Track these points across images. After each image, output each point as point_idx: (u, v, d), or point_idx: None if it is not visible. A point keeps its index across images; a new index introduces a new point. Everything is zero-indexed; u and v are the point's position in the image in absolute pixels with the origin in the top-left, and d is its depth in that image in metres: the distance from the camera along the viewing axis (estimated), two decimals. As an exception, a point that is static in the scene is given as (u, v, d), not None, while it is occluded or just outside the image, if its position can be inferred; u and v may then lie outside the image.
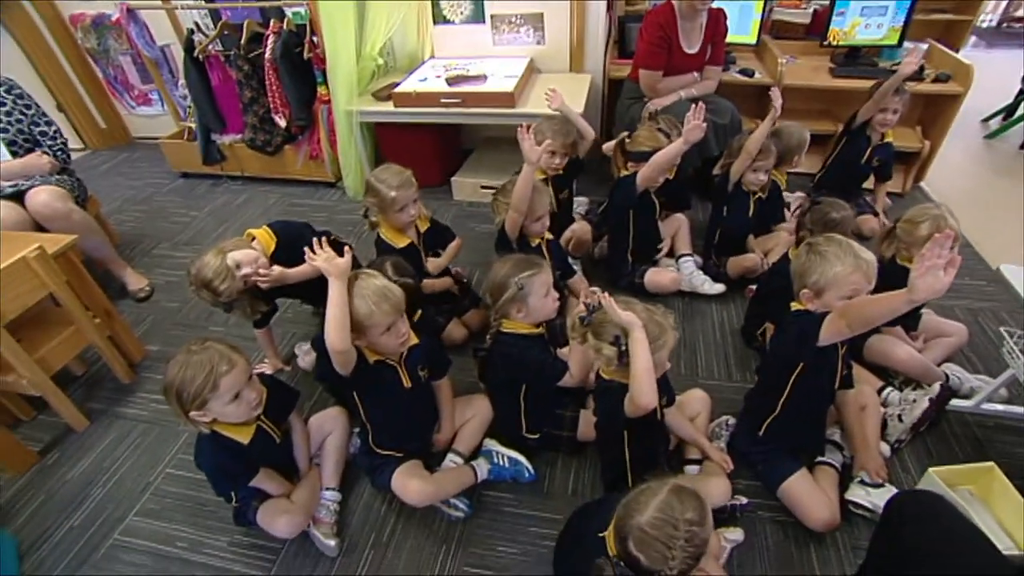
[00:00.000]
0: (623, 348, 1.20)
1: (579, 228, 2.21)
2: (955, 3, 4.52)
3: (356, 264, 1.32)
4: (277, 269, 1.53)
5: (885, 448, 1.62)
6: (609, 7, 2.82)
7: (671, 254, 2.33)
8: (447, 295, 1.95)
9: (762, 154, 2.08)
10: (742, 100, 2.87)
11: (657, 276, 2.14)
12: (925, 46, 2.96)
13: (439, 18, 2.86)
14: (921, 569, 0.93)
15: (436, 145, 2.84)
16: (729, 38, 2.80)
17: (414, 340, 1.40)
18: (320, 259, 1.22)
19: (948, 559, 0.91)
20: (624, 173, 2.06)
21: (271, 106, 2.81)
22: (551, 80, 2.77)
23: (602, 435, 1.43)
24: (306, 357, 1.89)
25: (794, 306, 1.35)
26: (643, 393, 1.17)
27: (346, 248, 1.28)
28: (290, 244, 1.56)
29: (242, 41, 2.68)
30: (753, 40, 3.01)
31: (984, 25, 5.62)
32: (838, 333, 1.20)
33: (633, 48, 2.65)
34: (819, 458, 1.53)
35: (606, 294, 1.28)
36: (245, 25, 2.70)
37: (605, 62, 2.83)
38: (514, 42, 2.85)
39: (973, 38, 5.30)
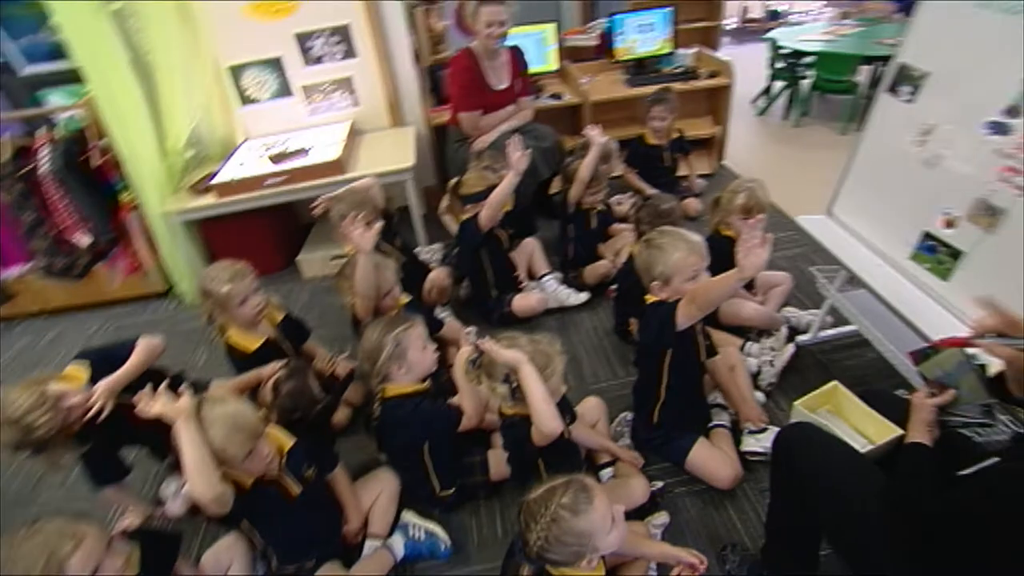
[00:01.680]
0: (515, 385, 1.23)
1: (437, 276, 2.23)
2: (704, 12, 5.49)
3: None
4: (101, 384, 1.32)
5: (760, 396, 1.80)
6: (417, 60, 2.95)
7: (533, 276, 2.45)
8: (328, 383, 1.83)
9: (595, 182, 2.32)
10: (559, 121, 3.15)
11: (524, 301, 2.23)
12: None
13: (244, 99, 2.80)
14: (815, 485, 1.08)
15: (271, 229, 2.72)
16: (534, 69, 3.07)
17: (288, 443, 1.32)
18: (157, 407, 1.11)
19: (828, 470, 1.08)
20: (463, 216, 2.13)
21: (63, 226, 2.48)
22: (375, 139, 2.81)
23: (517, 470, 1.46)
24: (176, 501, 1.60)
25: (648, 299, 1.46)
26: (546, 423, 1.20)
27: (181, 389, 1.17)
28: (112, 368, 1.38)
29: (1, 160, 2.35)
30: (555, 67, 3.34)
31: (730, 26, 6.78)
32: (691, 317, 1.33)
33: (447, 94, 2.74)
34: (711, 424, 1.67)
35: (487, 339, 1.29)
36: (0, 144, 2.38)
37: (424, 112, 2.92)
38: (330, 109, 2.86)
39: (727, 39, 6.37)
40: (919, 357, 1.17)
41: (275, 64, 2.72)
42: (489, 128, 2.58)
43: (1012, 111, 1.38)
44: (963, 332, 1.16)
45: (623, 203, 2.86)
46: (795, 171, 3.44)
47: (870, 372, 1.91)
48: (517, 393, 1.25)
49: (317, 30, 2.61)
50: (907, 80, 1.67)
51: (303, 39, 2.66)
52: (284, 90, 2.80)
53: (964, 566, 0.83)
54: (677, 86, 3.08)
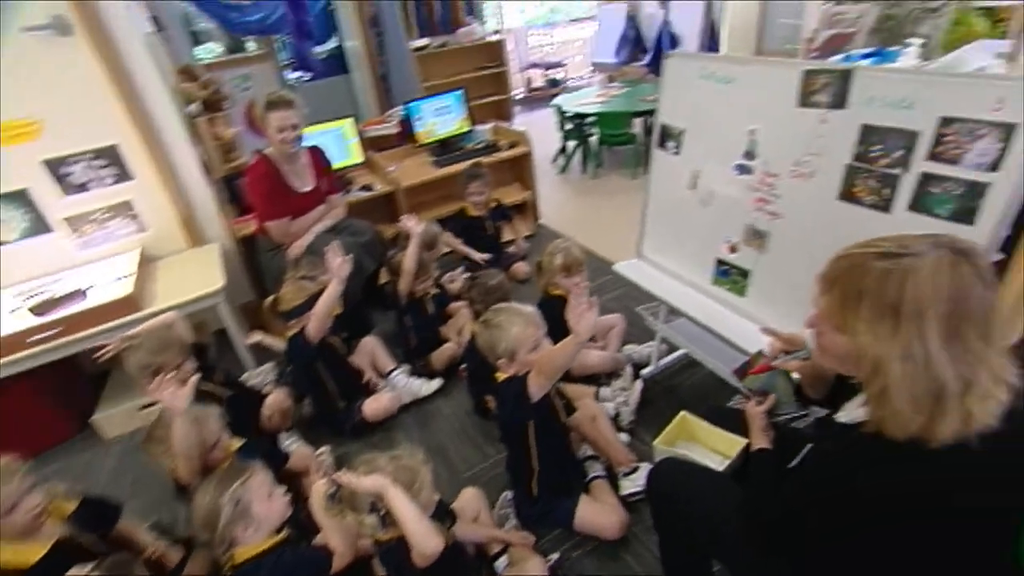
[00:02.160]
0: (383, 512, 1.20)
1: (275, 400, 2.11)
2: (493, 87, 6.17)
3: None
4: None
5: (624, 436, 1.95)
6: (208, 172, 2.81)
7: (380, 375, 2.41)
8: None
9: (422, 270, 2.39)
10: (374, 212, 3.21)
11: (375, 405, 2.17)
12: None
13: (-14, 243, 2.38)
14: (690, 514, 1.20)
15: (48, 391, 2.32)
16: (338, 165, 3.13)
17: None
18: None
19: (696, 496, 1.21)
20: (289, 332, 2.04)
21: None
22: (173, 264, 2.57)
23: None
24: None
25: (499, 376, 1.54)
26: (424, 544, 1.18)
27: None
28: None
29: None
30: (360, 159, 3.42)
31: (519, 97, 7.67)
32: (542, 387, 1.43)
33: (249, 203, 2.66)
34: (587, 478, 1.76)
35: (344, 471, 1.25)
36: None
37: (227, 225, 2.78)
38: (108, 239, 2.55)
39: (518, 107, 7.18)
40: (741, 373, 1.41)
41: (20, 197, 2.37)
42: (302, 232, 2.54)
43: (749, 155, 1.77)
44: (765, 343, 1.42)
45: (455, 280, 2.97)
46: (603, 217, 3.92)
47: (710, 385, 2.17)
48: (388, 519, 1.21)
49: (74, 154, 2.37)
50: (670, 137, 2.03)
51: (56, 165, 2.39)
52: (40, 226, 2.43)
53: (809, 557, 0.93)
54: (483, 160, 3.35)
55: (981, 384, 0.77)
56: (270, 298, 2.07)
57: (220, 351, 2.56)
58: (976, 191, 1.27)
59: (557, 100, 4.95)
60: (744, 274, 1.85)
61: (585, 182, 4.65)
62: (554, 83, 7.55)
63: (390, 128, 3.82)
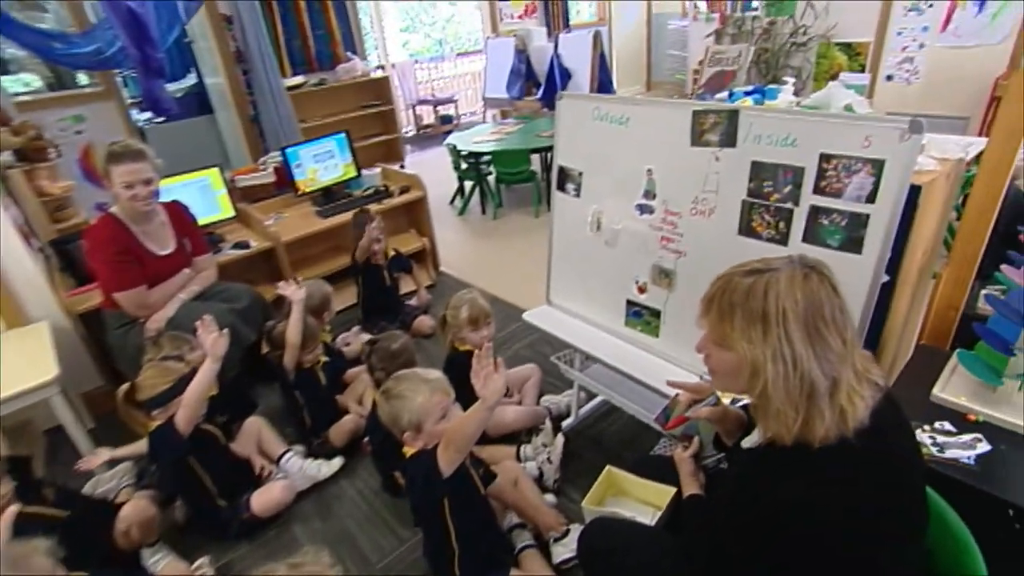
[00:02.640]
0: None
1: (133, 510, 1.82)
2: (380, 127, 6.17)
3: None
4: None
5: (551, 498, 1.93)
6: (30, 236, 2.53)
7: (272, 460, 2.24)
8: None
9: (310, 340, 2.27)
10: (253, 271, 3.05)
11: (265, 497, 2.01)
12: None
13: None
14: (625, 573, 1.22)
15: None
16: (205, 220, 2.95)
17: None
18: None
19: (630, 555, 1.24)
20: (153, 424, 1.83)
21: None
22: None
23: None
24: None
25: (406, 451, 1.48)
26: None
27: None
28: None
29: None
30: (231, 213, 3.24)
31: (409, 135, 7.72)
32: (453, 461, 1.40)
33: (91, 272, 2.39)
34: (516, 550, 1.73)
35: None
36: None
37: (59, 299, 2.52)
38: None
39: (409, 146, 7.22)
40: (662, 420, 1.45)
41: None
42: (162, 302, 2.34)
43: (649, 194, 1.87)
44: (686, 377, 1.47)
45: (351, 342, 2.87)
46: (508, 260, 3.98)
47: (634, 430, 2.21)
48: None
49: None
50: (569, 179, 2.10)
51: None
52: None
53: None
54: (373, 208, 3.31)
55: (846, 381, 0.91)
56: (125, 385, 1.85)
57: (56, 454, 2.26)
58: (859, 222, 1.41)
59: (451, 139, 5.04)
60: (656, 314, 1.92)
61: (486, 224, 4.72)
62: (446, 119, 7.69)
63: (265, 177, 3.68)
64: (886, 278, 1.56)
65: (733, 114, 1.59)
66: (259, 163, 3.90)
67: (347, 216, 3.19)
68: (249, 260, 3.04)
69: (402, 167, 6.52)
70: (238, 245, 3.07)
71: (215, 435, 1.99)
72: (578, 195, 2.08)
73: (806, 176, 1.48)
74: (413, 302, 3.28)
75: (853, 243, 1.42)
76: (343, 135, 3.64)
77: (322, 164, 3.57)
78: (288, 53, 5.50)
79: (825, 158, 1.44)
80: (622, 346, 2.00)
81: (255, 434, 2.24)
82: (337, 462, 2.23)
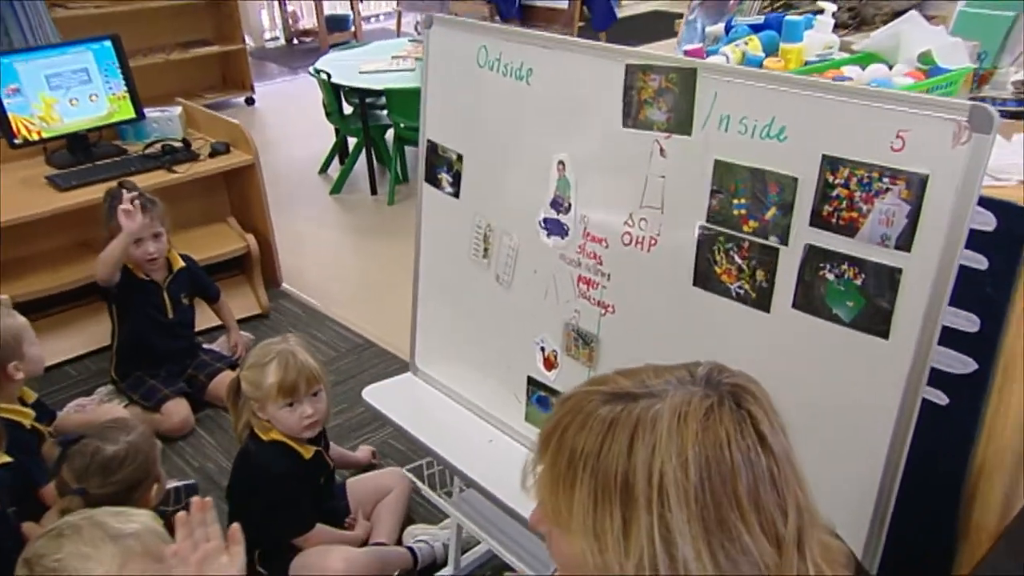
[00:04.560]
0: None
1: None
2: (209, 30, 5.70)
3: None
4: None
5: None
6: None
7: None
8: None
9: None
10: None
11: None
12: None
13: None
14: None
15: None
16: None
17: None
18: None
19: None
20: None
21: None
22: None
23: None
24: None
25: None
26: None
27: None
28: None
29: None
30: None
31: (272, 46, 7.48)
32: None
33: None
34: None
35: None
36: None
37: None
38: None
39: (274, 67, 6.97)
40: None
41: None
42: None
43: (559, 204, 1.71)
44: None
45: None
46: (406, 275, 3.79)
47: None
48: None
49: None
50: (443, 165, 1.98)
51: None
52: None
53: None
54: (155, 178, 3.15)
55: None
56: None
57: None
58: (885, 280, 1.27)
59: (324, 62, 4.84)
60: None
61: (378, 210, 4.59)
62: (338, 24, 7.39)
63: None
64: (972, 367, 1.53)
65: (687, 75, 1.46)
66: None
67: (101, 189, 2.97)
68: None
69: (249, 102, 6.27)
70: None
71: None
72: (456, 193, 1.98)
73: (800, 193, 1.34)
74: (218, 346, 3.16)
75: (874, 318, 1.29)
76: (108, 42, 3.36)
77: (67, 92, 3.30)
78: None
79: (831, 164, 1.30)
80: (518, 459, 1.83)
81: None
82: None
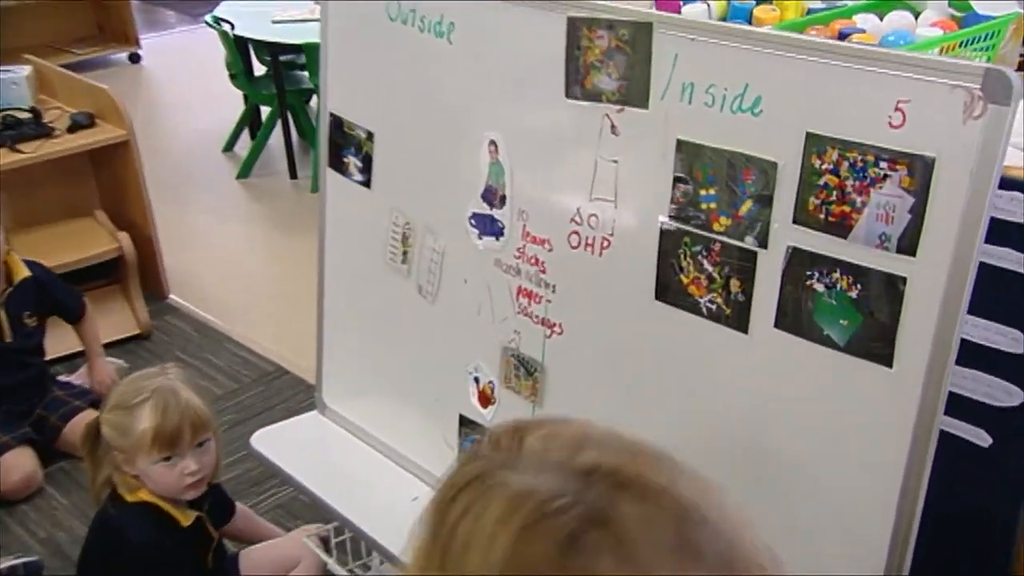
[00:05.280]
0: None
1: None
2: None
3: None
4: None
5: None
6: None
7: None
8: None
9: None
10: None
11: None
12: None
13: None
14: None
15: None
16: None
17: None
18: None
19: None
20: None
21: None
22: None
23: None
24: None
25: None
26: None
27: None
28: None
29: None
30: None
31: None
32: None
33: None
34: None
35: None
36: None
37: None
38: None
39: (170, 16, 6.95)
40: None
41: None
42: None
43: (492, 195, 1.73)
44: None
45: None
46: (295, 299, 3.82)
47: None
48: None
49: None
50: (351, 145, 2.00)
51: None
52: None
53: None
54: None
55: None
56: None
57: None
58: (887, 291, 1.28)
59: (225, 8, 4.85)
60: None
61: (299, 197, 4.63)
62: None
63: None
64: (1020, 397, 1.55)
65: (641, 32, 1.48)
66: None
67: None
68: None
69: (134, 59, 6.26)
70: None
71: None
72: (367, 181, 2.01)
73: (781, 182, 1.36)
74: (78, 378, 3.18)
75: (874, 340, 1.30)
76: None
77: None
78: None
79: (816, 145, 1.31)
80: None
81: None
82: None
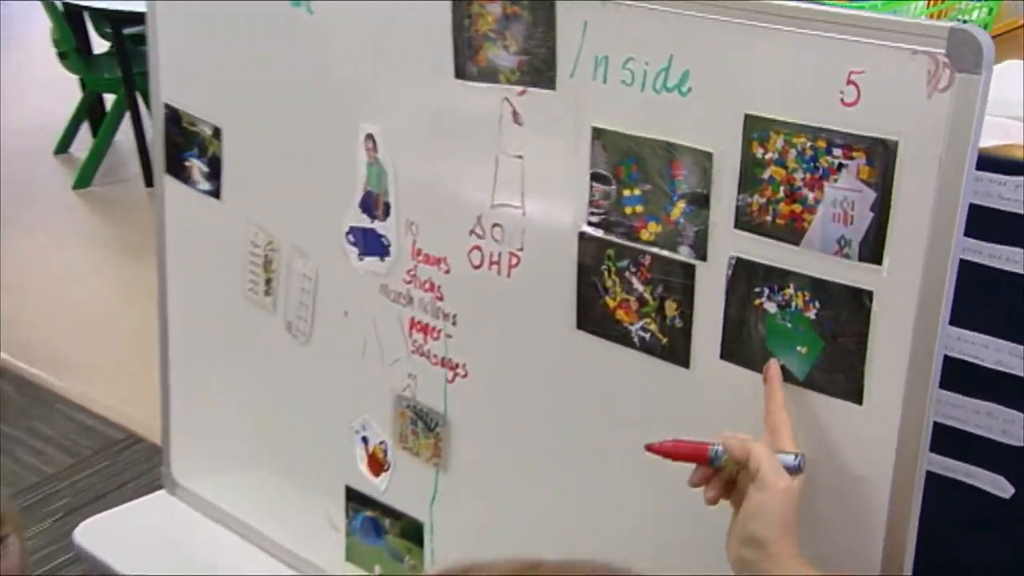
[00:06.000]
0: None
1: None
2: None
3: None
4: None
5: None
6: None
7: None
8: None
9: None
10: None
11: None
12: None
13: None
14: None
15: None
16: None
17: None
18: None
19: None
20: None
21: None
22: None
23: None
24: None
25: None
26: None
27: None
28: None
29: None
30: None
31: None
32: None
33: None
34: None
35: None
36: None
37: None
38: None
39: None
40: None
41: None
42: None
43: (372, 204, 1.77)
44: None
45: None
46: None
47: None
48: None
49: None
50: (194, 145, 2.04)
51: None
52: None
53: None
54: None
55: None
56: None
57: None
58: (848, 309, 1.33)
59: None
60: (415, 531, 1.86)
61: (150, 212, 4.61)
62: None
63: None
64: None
65: None
66: None
67: None
68: None
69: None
70: None
71: None
72: (215, 191, 2.06)
73: (718, 177, 1.40)
74: None
75: (838, 370, 1.35)
76: None
77: None
78: None
79: (758, 131, 1.35)
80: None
81: None
82: None
